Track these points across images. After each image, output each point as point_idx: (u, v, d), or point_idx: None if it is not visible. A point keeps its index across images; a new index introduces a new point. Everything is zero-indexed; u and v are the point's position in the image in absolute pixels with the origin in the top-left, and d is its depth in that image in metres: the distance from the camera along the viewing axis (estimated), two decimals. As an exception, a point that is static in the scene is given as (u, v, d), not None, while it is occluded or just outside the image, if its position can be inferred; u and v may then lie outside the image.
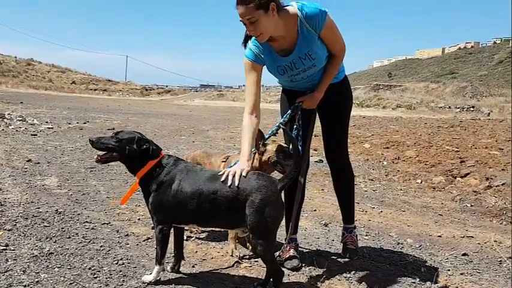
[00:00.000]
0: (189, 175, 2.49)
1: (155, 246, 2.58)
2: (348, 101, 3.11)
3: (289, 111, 2.94)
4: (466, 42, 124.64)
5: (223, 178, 2.39)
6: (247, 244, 3.18)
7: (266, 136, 2.89)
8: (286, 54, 2.76)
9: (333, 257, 3.18)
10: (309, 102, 2.92)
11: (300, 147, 2.82)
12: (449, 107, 28.19)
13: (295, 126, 2.92)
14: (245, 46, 2.78)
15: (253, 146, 2.83)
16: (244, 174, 2.40)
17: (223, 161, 3.13)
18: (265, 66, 2.84)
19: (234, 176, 2.38)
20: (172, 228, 2.60)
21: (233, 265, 2.92)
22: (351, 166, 3.21)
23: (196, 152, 3.47)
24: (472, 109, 27.17)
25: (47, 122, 11.57)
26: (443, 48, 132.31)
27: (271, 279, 2.46)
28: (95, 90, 51.99)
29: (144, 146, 2.55)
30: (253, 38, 2.70)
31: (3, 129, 9.26)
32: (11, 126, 9.82)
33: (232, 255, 3.04)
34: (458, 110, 27.25)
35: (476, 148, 8.80)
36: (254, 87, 2.76)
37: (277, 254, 2.93)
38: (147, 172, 2.52)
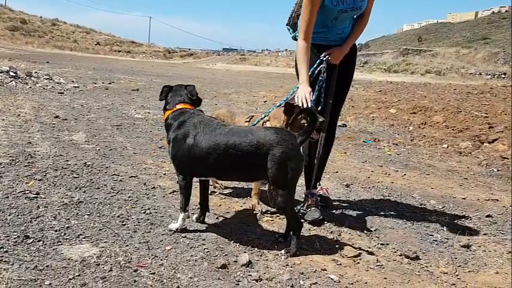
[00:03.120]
0: (205, 129, 2.49)
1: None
2: (355, 66, 3.29)
3: (315, 65, 2.95)
4: (501, 6, 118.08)
5: (299, 103, 2.63)
6: (269, 201, 3.22)
7: (292, 92, 2.90)
8: None
9: (354, 215, 3.21)
10: (337, 53, 2.97)
11: (322, 100, 2.92)
12: (480, 74, 27.10)
13: (320, 78, 2.94)
14: None
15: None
16: (308, 96, 2.63)
17: (246, 121, 3.13)
18: None
19: (306, 99, 2.62)
20: (198, 181, 2.66)
21: (255, 218, 2.98)
22: None
23: (221, 110, 3.45)
24: (503, 76, 26.06)
25: (73, 81, 11.72)
26: (476, 12, 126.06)
27: (291, 232, 2.50)
28: (119, 51, 51.94)
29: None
30: None
31: (30, 87, 9.44)
32: (38, 84, 10.00)
33: (254, 210, 3.10)
34: (489, 76, 26.19)
35: (506, 114, 8.50)
36: (312, 17, 2.83)
37: (297, 208, 2.98)
38: (165, 122, 2.65)
